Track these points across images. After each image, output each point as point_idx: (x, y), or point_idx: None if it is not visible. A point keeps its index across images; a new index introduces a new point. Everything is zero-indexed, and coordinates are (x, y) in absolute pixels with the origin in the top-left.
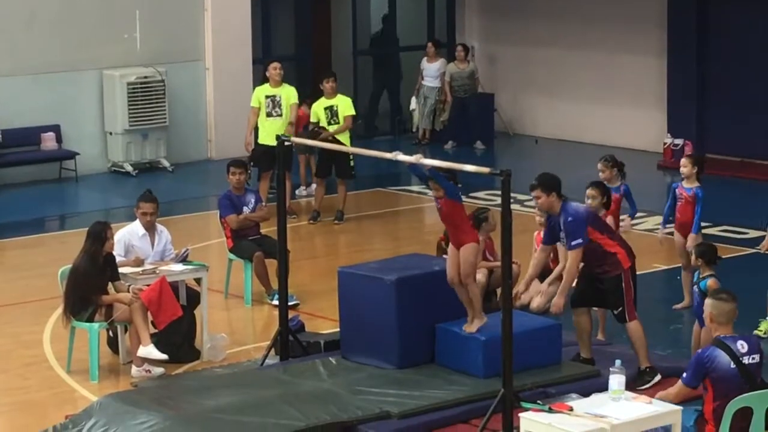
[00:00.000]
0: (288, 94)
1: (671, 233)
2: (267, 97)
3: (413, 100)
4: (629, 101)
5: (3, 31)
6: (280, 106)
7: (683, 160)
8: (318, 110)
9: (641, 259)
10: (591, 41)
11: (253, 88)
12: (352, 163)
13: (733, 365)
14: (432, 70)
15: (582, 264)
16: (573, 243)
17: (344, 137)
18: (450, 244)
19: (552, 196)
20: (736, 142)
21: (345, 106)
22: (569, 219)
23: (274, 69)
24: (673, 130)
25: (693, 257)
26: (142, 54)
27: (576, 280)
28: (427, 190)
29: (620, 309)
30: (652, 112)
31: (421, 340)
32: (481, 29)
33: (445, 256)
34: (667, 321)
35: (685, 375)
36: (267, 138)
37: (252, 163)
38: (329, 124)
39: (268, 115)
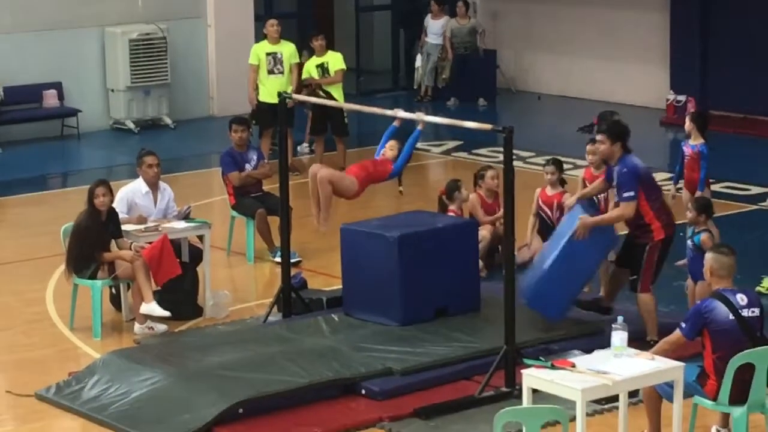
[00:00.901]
0: (289, 52)
1: (680, 189)
2: (268, 54)
3: (418, 57)
4: (632, 57)
5: None
6: (281, 63)
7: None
8: (310, 68)
9: None
10: None
11: None
12: (346, 120)
13: (731, 317)
14: (436, 27)
15: None
16: (625, 195)
17: (338, 94)
18: (349, 168)
19: (616, 145)
20: (739, 98)
21: (335, 61)
22: (624, 170)
23: (272, 26)
24: (675, 86)
25: (693, 212)
26: (144, 11)
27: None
28: (430, 147)
29: (635, 277)
30: (654, 69)
31: (423, 296)
32: None
33: (450, 212)
34: (670, 277)
35: (683, 325)
36: (268, 96)
37: (254, 122)
38: None
39: (270, 72)
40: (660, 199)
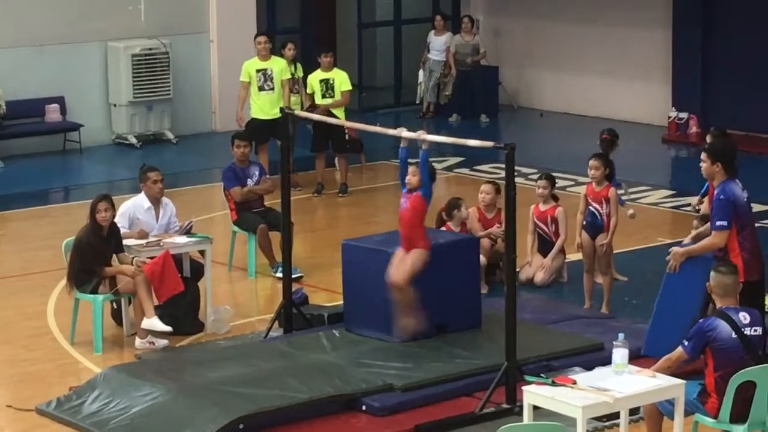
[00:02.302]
0: (279, 68)
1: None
2: (258, 71)
3: (420, 73)
4: (634, 75)
5: (7, 2)
6: (272, 79)
7: None
8: (313, 82)
9: (645, 232)
10: (596, 14)
11: None
12: (347, 137)
13: (734, 335)
14: (439, 44)
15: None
16: (717, 223)
17: (339, 112)
18: (400, 246)
19: (716, 166)
20: (741, 115)
21: (341, 80)
22: (721, 197)
23: (259, 43)
24: (677, 104)
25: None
26: (146, 26)
27: None
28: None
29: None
30: (656, 86)
31: (424, 312)
32: (486, 2)
33: (443, 228)
34: None
35: (686, 343)
36: (260, 112)
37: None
38: (323, 97)
39: (260, 89)
40: (750, 239)
